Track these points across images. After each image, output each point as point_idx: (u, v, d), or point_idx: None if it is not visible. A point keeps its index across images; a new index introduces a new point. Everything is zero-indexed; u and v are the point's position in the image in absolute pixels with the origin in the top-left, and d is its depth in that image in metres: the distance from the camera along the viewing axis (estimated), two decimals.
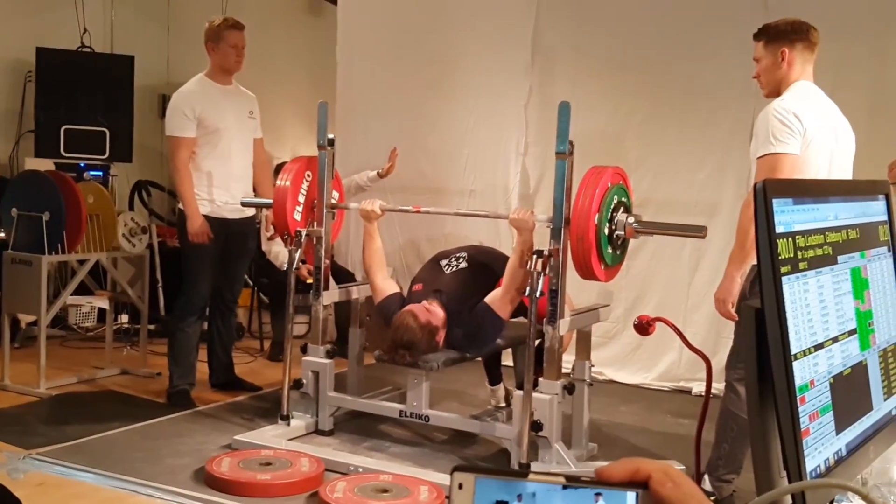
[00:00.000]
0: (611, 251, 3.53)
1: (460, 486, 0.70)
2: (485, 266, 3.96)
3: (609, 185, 3.47)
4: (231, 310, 4.68)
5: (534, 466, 3.44)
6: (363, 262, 4.17)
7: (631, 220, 3.51)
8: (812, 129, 2.89)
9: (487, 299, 3.69)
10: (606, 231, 3.47)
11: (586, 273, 3.48)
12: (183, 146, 4.30)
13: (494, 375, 4.39)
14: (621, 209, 3.53)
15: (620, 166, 3.68)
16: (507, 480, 0.70)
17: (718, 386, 3.33)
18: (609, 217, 3.47)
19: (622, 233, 3.51)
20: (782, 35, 3.04)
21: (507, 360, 4.49)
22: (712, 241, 4.43)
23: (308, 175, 4.13)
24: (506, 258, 3.81)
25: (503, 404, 4.30)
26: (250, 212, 4.58)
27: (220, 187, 4.39)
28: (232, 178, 4.42)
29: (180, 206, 4.40)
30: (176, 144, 4.31)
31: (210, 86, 4.41)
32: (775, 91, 3.07)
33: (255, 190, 4.61)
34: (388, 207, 4.07)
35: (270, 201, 4.17)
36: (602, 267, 3.51)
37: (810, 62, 3.07)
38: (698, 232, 3.30)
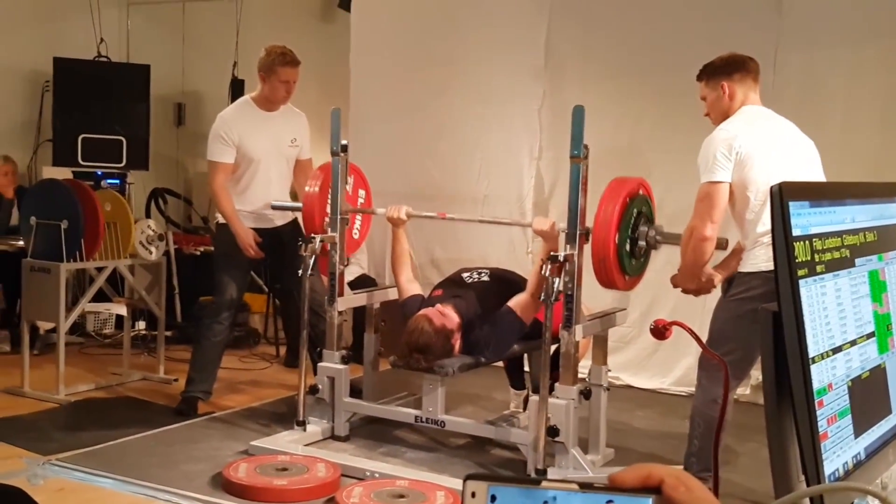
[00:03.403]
0: (633, 262, 3.55)
1: (473, 495, 0.70)
2: (505, 281, 3.99)
3: (632, 195, 3.48)
4: (316, 312, 4.18)
5: (550, 472, 3.43)
6: (391, 263, 4.24)
7: (653, 231, 3.55)
8: (748, 151, 3.06)
9: (511, 303, 3.73)
10: (628, 242, 3.48)
11: (607, 283, 3.50)
12: (220, 171, 4.34)
13: (517, 379, 4.39)
14: (643, 220, 3.55)
15: (633, 174, 3.68)
16: (521, 488, 0.70)
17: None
18: (631, 228, 3.48)
19: (644, 243, 3.53)
20: (720, 70, 3.25)
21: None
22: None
23: None
24: (525, 280, 3.84)
25: (522, 409, 4.30)
26: (286, 220, 4.52)
27: (257, 208, 4.41)
28: (267, 202, 4.41)
29: (219, 220, 4.48)
30: (214, 169, 4.37)
31: (253, 112, 4.41)
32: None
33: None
34: (415, 213, 4.09)
35: (300, 205, 4.20)
36: (624, 277, 3.53)
37: (753, 89, 3.25)
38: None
